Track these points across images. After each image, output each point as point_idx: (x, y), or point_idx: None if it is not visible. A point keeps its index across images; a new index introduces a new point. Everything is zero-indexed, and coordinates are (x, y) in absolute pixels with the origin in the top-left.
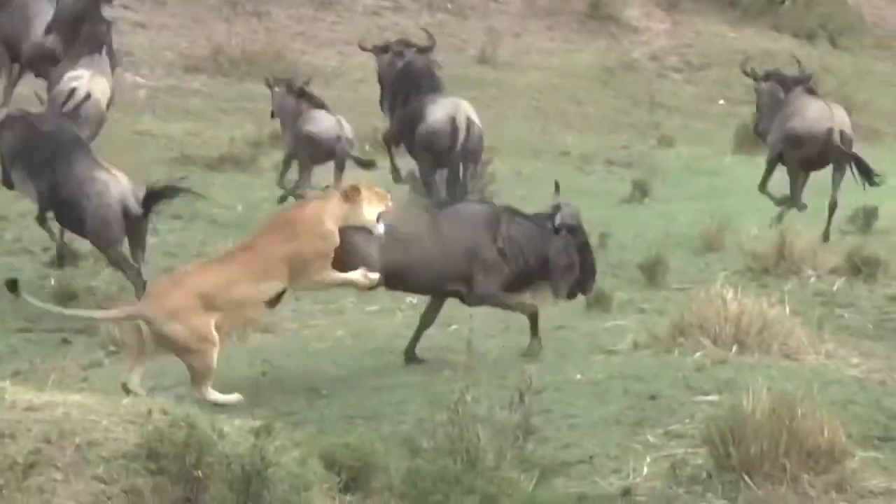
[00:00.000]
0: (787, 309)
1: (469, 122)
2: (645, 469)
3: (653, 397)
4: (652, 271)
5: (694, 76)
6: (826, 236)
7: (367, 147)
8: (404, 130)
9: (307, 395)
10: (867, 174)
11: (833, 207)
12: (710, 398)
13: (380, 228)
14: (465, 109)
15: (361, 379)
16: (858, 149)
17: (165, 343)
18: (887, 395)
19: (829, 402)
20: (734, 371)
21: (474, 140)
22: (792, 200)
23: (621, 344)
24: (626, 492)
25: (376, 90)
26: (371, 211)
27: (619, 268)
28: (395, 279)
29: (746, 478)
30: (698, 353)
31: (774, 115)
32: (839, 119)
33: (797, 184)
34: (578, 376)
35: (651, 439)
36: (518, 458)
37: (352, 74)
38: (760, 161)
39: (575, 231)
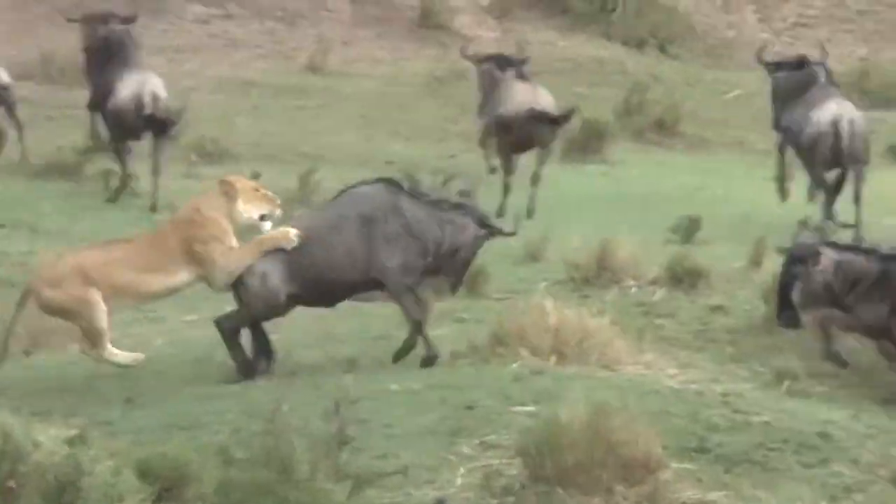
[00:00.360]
0: (607, 319)
1: (155, 98)
2: (459, 480)
3: (469, 407)
4: (472, 281)
5: None
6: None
7: (193, 156)
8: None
9: (124, 405)
10: None
11: (535, 180)
12: (526, 409)
13: (265, 226)
14: (153, 86)
15: (179, 388)
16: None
17: (51, 311)
18: (704, 406)
19: (646, 413)
20: (552, 381)
21: None
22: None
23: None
24: (440, 502)
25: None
26: (249, 208)
27: None
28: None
29: (560, 489)
30: (516, 364)
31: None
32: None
33: (509, 168)
34: (395, 386)
35: (466, 450)
36: (333, 468)
37: (183, 82)
38: (590, 170)
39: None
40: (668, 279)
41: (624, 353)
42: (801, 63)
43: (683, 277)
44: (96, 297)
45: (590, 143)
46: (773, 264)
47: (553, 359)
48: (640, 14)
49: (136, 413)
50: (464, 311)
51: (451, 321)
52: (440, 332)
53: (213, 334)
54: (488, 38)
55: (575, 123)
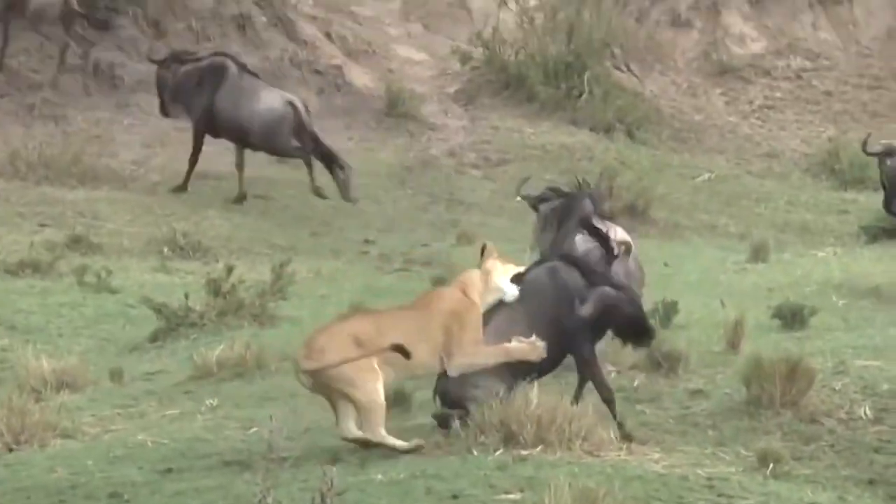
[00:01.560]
0: (590, 406)
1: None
2: None
3: (455, 496)
4: None
5: (492, 172)
6: None
7: (165, 250)
8: None
9: (109, 501)
10: None
11: None
12: (511, 496)
13: (514, 290)
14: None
15: (163, 484)
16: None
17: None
18: (689, 490)
19: (631, 499)
20: (536, 468)
21: None
22: None
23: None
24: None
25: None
26: (502, 282)
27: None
28: None
29: None
30: (499, 452)
31: None
32: None
33: None
34: (380, 476)
35: None
36: None
37: (149, 177)
38: None
39: None
40: (648, 364)
41: (607, 439)
42: None
43: (662, 362)
44: (376, 367)
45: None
46: (751, 347)
47: (537, 446)
48: (606, 99)
49: None
50: None
51: (432, 410)
52: (422, 422)
53: (195, 427)
54: (455, 126)
55: None
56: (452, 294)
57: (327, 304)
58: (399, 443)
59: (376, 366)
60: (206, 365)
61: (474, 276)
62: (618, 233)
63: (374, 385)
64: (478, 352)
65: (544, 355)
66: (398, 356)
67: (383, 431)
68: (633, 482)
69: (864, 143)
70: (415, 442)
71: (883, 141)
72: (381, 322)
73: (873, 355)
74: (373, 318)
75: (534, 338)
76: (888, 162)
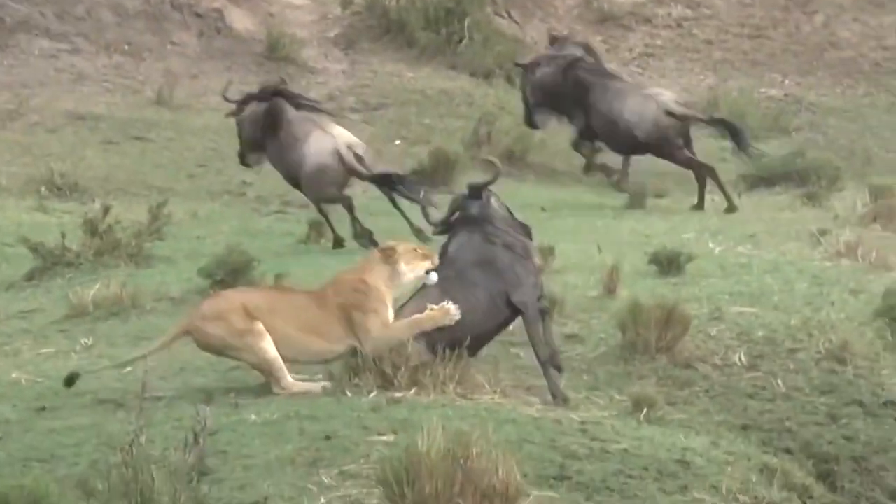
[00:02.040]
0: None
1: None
2: None
3: (328, 437)
4: None
5: (371, 116)
6: None
7: (42, 189)
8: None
9: None
10: None
11: None
12: (385, 438)
13: (432, 278)
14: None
15: (36, 421)
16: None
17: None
18: (562, 434)
19: (505, 442)
20: (409, 411)
21: None
22: None
23: None
24: None
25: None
26: (412, 268)
27: None
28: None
29: None
30: (373, 393)
31: None
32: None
33: None
34: (254, 416)
35: (326, 480)
36: (193, 499)
37: (29, 117)
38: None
39: None
40: None
41: (481, 381)
42: None
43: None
44: (260, 328)
45: (438, 174)
46: (627, 292)
47: (411, 388)
48: (486, 45)
49: None
50: None
51: None
52: (295, 366)
53: (70, 366)
54: (335, 69)
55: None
56: (349, 283)
57: (203, 245)
58: (311, 385)
59: (260, 327)
60: (81, 304)
61: (373, 260)
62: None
63: (260, 345)
64: (389, 331)
65: (457, 317)
66: (294, 339)
67: (289, 380)
68: (507, 425)
69: (516, 62)
70: (323, 384)
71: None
72: (274, 300)
73: (749, 302)
74: (268, 295)
75: (446, 302)
76: (536, 74)
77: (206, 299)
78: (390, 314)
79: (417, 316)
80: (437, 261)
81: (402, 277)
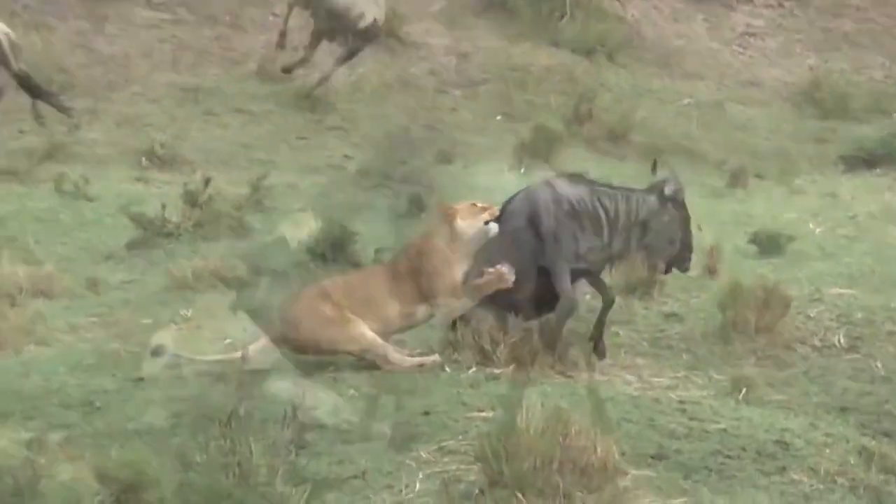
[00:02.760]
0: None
1: None
2: (417, 485)
3: (426, 413)
4: None
5: (473, 92)
6: None
7: (143, 160)
8: None
9: (81, 408)
10: None
11: None
12: (483, 414)
13: (492, 229)
14: None
15: (136, 392)
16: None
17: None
18: (661, 413)
19: (603, 420)
20: (508, 388)
21: None
22: None
23: None
24: None
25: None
26: (470, 222)
27: None
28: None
29: (519, 494)
30: (472, 370)
31: None
32: None
33: None
34: (352, 391)
35: (424, 455)
36: (290, 472)
37: (130, 88)
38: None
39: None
40: (623, 287)
41: (580, 360)
42: None
43: (638, 285)
44: (351, 315)
45: (539, 150)
46: (728, 272)
47: (510, 365)
48: (587, 23)
49: (92, 416)
50: None
51: None
52: (396, 337)
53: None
54: (437, 45)
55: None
56: (415, 247)
57: (303, 218)
58: (422, 360)
59: (349, 314)
60: (181, 275)
61: (434, 221)
62: None
63: (356, 332)
64: (454, 296)
65: (512, 278)
66: (377, 311)
67: (396, 357)
68: (606, 404)
69: None
70: (433, 357)
71: None
72: (350, 283)
73: (848, 283)
74: (342, 280)
75: (501, 266)
76: None
77: (285, 306)
78: (458, 274)
79: (477, 280)
80: (496, 212)
81: (462, 234)
